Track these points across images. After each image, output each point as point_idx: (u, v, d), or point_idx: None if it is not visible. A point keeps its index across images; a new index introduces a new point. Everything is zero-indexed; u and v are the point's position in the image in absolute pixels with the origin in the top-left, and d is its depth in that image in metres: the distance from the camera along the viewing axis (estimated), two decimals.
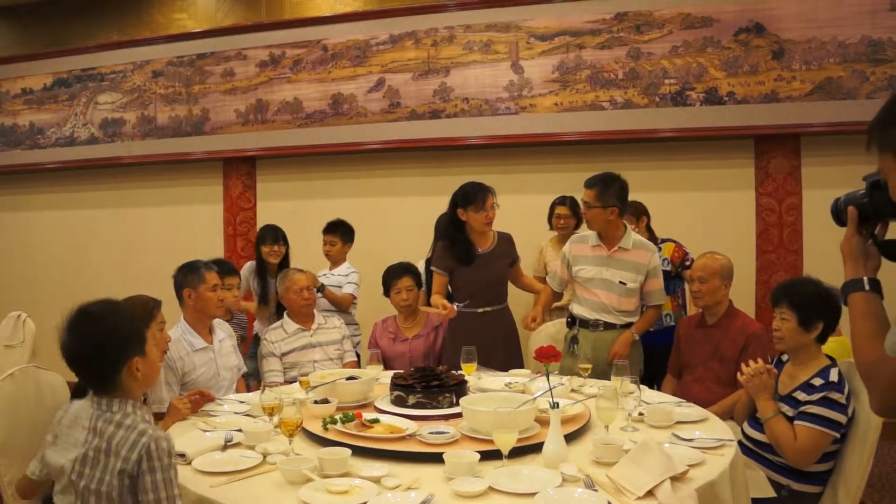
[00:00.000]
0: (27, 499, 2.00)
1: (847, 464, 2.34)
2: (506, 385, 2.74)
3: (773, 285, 3.13)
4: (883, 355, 1.25)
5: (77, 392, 2.14)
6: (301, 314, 3.60)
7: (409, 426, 2.17)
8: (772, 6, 4.41)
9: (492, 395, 2.36)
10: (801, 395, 2.35)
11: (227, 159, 5.72)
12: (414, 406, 2.35)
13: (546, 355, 2.31)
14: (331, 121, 5.33)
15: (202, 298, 3.00)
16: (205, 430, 2.29)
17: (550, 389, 2.15)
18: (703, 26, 4.53)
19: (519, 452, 1.95)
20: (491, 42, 4.97)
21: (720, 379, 3.02)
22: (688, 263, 3.81)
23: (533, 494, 1.70)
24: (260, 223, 5.71)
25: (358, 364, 3.70)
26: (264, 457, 2.01)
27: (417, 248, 4.36)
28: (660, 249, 3.93)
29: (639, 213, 4.02)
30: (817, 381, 2.34)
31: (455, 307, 3.32)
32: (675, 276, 3.98)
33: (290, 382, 3.16)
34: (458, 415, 2.26)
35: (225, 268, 3.71)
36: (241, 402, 2.67)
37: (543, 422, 2.10)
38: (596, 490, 1.75)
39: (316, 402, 2.42)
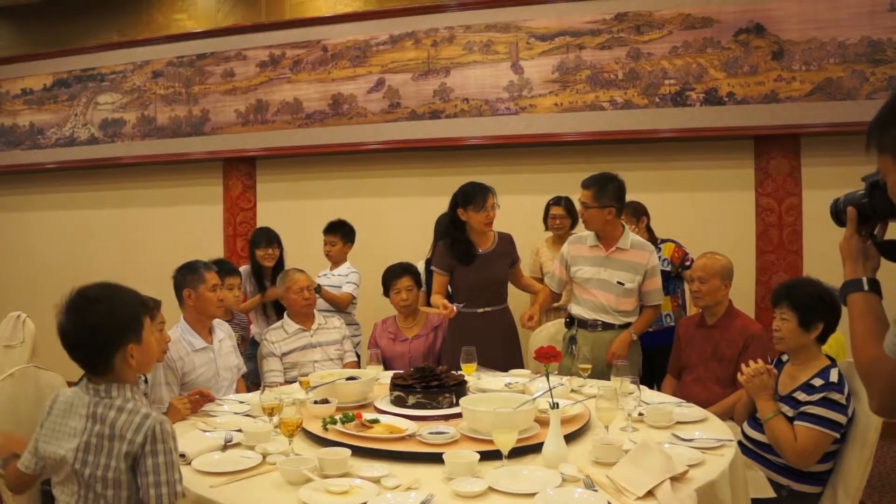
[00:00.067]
0: (20, 493, 1.98)
1: (847, 464, 2.34)
2: (505, 385, 2.74)
3: (773, 286, 3.13)
4: (882, 355, 1.25)
5: None
6: (301, 314, 3.60)
7: (409, 426, 2.17)
8: (772, 7, 4.41)
9: (491, 396, 2.36)
10: (801, 396, 2.35)
11: (227, 159, 5.73)
12: (414, 406, 2.35)
13: (546, 355, 2.31)
14: (331, 121, 5.34)
15: (202, 299, 3.00)
16: (205, 431, 2.29)
17: (550, 390, 2.15)
18: (703, 27, 4.53)
19: (519, 453, 1.95)
20: (491, 42, 4.97)
21: (720, 379, 3.02)
22: (688, 264, 3.82)
23: (533, 495, 1.70)
24: (260, 223, 5.71)
25: (358, 364, 3.71)
26: (264, 457, 2.01)
27: (417, 248, 4.36)
28: (660, 250, 3.93)
29: (639, 214, 4.02)
30: (817, 382, 2.34)
31: (455, 307, 3.32)
32: (674, 277, 3.98)
33: (291, 382, 3.16)
34: (458, 415, 2.26)
35: (226, 268, 3.72)
36: (241, 403, 2.67)
37: (543, 422, 2.10)
38: (596, 490, 1.75)
39: (316, 402, 2.42)
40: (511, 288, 3.66)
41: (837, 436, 2.30)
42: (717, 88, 4.51)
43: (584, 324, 3.31)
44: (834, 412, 2.28)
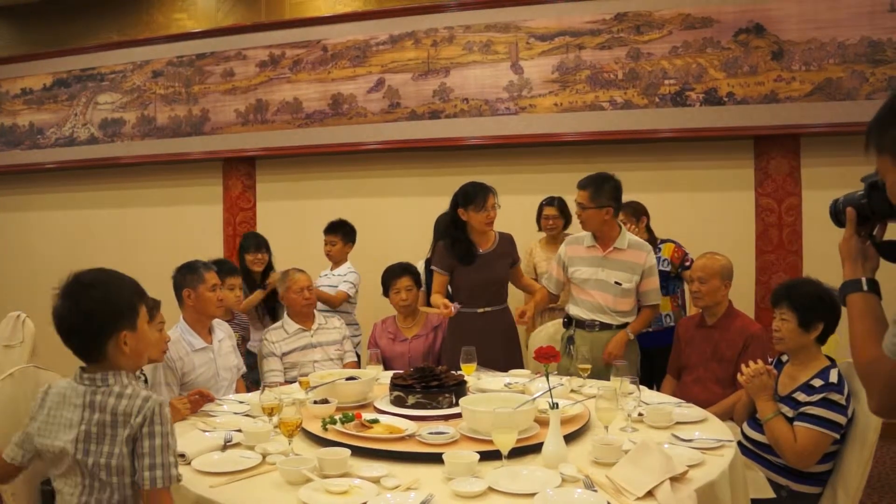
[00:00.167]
0: (3, 482, 1.97)
1: (846, 464, 2.34)
2: (505, 385, 2.74)
3: (773, 286, 3.13)
4: (881, 355, 1.25)
5: None
6: (301, 314, 3.60)
7: (409, 426, 2.17)
8: (771, 7, 4.41)
9: (491, 396, 2.36)
10: (800, 396, 2.35)
11: (226, 159, 5.73)
12: (413, 406, 2.35)
13: (546, 356, 2.31)
14: (330, 121, 5.34)
15: (202, 298, 3.00)
16: (204, 431, 2.29)
17: (550, 390, 2.15)
18: (702, 27, 4.53)
19: (518, 453, 1.95)
20: (491, 42, 4.97)
21: (720, 379, 3.02)
22: (687, 264, 3.82)
23: (532, 495, 1.70)
24: (260, 223, 5.72)
25: (358, 364, 3.71)
26: (264, 457, 2.01)
27: (417, 248, 4.36)
28: (659, 250, 3.93)
29: (639, 214, 4.02)
30: (817, 382, 2.34)
31: (454, 306, 3.32)
32: (674, 277, 3.98)
33: (290, 382, 3.16)
34: (458, 415, 2.26)
35: (227, 268, 3.72)
36: (241, 403, 2.67)
37: (543, 422, 2.10)
38: (595, 490, 1.75)
39: (315, 402, 2.42)
40: (511, 288, 3.66)
41: (837, 436, 2.30)
42: (717, 88, 4.51)
43: (581, 324, 3.31)
44: (834, 413, 2.28)
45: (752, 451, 2.48)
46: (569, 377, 2.84)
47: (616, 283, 3.24)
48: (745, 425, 2.58)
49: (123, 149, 5.94)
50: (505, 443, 1.86)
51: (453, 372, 2.61)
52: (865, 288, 1.37)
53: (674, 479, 1.75)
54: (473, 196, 3.41)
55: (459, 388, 2.43)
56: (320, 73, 5.37)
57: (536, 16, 4.87)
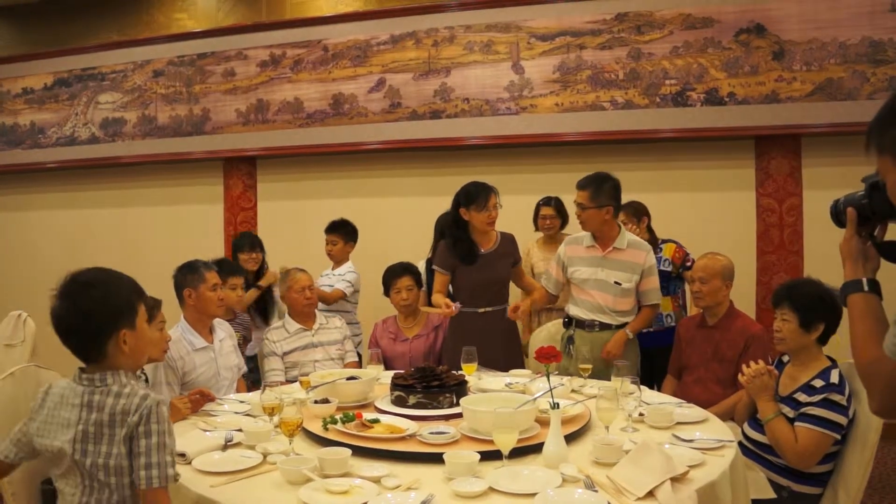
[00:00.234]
0: None
1: (847, 465, 2.34)
2: (506, 385, 2.74)
3: (774, 286, 3.13)
4: (882, 356, 1.25)
5: None
6: (303, 314, 3.61)
7: (410, 426, 2.17)
8: (772, 7, 4.41)
9: (492, 396, 2.36)
10: (801, 397, 2.35)
11: (227, 159, 5.73)
12: (414, 406, 2.35)
13: (546, 356, 2.31)
14: (331, 121, 5.34)
15: (202, 298, 3.00)
16: (205, 430, 2.29)
17: (551, 390, 2.15)
18: (703, 27, 4.53)
19: (519, 453, 1.95)
20: (491, 42, 4.97)
21: (720, 380, 3.02)
22: (688, 264, 3.82)
23: (533, 495, 1.70)
24: (260, 223, 5.72)
25: (359, 364, 3.71)
26: (264, 457, 2.01)
27: (417, 248, 4.36)
28: (660, 250, 3.93)
29: (640, 214, 4.02)
30: (818, 383, 2.34)
31: (456, 306, 3.31)
32: (675, 277, 3.97)
33: (291, 382, 3.16)
34: (459, 415, 2.26)
35: (229, 268, 3.72)
36: (242, 402, 2.67)
37: (544, 422, 2.10)
38: (596, 491, 1.75)
39: (316, 401, 2.42)
40: (512, 288, 3.66)
41: (838, 437, 2.29)
42: (718, 88, 4.51)
43: (581, 324, 3.31)
44: (834, 413, 2.28)
45: (752, 451, 2.48)
46: (569, 377, 2.84)
47: (616, 282, 3.24)
48: (745, 426, 2.58)
49: (124, 148, 5.94)
50: (506, 443, 1.86)
51: (454, 372, 2.61)
52: (866, 288, 1.37)
53: (674, 480, 1.75)
54: (475, 196, 3.41)
55: (460, 388, 2.44)
56: (321, 72, 5.37)
57: (537, 16, 4.87)
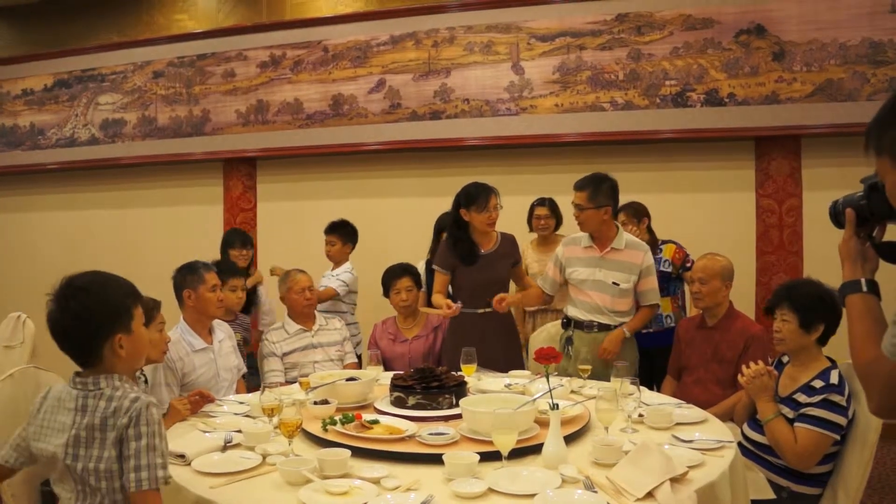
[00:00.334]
0: None
1: (847, 465, 2.34)
2: (505, 386, 2.74)
3: (774, 287, 3.12)
4: (880, 356, 1.25)
5: None
6: (302, 314, 3.61)
7: (409, 427, 2.17)
8: (772, 8, 4.41)
9: (491, 397, 2.36)
10: (801, 397, 2.35)
11: (227, 160, 5.73)
12: (413, 407, 2.35)
13: (546, 357, 2.31)
14: (331, 121, 5.34)
15: (202, 299, 3.00)
16: (204, 431, 2.29)
17: (550, 391, 2.14)
18: (703, 28, 4.53)
19: (518, 454, 1.95)
20: (491, 43, 4.97)
21: (720, 380, 3.02)
22: (688, 265, 3.81)
23: (532, 496, 1.69)
24: (260, 224, 5.73)
25: (359, 365, 3.71)
26: (264, 458, 2.01)
27: (417, 248, 4.36)
28: (660, 251, 3.94)
29: (640, 215, 4.02)
30: (818, 383, 2.34)
31: (457, 307, 3.31)
32: (675, 278, 3.98)
33: (291, 383, 3.16)
34: (458, 416, 2.26)
35: (229, 269, 3.72)
36: (241, 403, 2.66)
37: (543, 423, 2.10)
38: (595, 491, 1.75)
39: (316, 402, 2.42)
40: (511, 288, 3.66)
41: (837, 437, 2.29)
42: (718, 89, 4.51)
43: (580, 325, 3.31)
44: (834, 414, 2.28)
45: (752, 451, 2.48)
46: (569, 378, 2.84)
47: (614, 283, 3.24)
48: (745, 426, 2.58)
49: (124, 149, 5.94)
50: (505, 443, 1.86)
51: (453, 373, 2.61)
52: (865, 289, 1.37)
53: (674, 480, 1.75)
54: (476, 196, 3.41)
55: (460, 389, 2.43)
56: (321, 73, 5.37)
57: (537, 16, 4.87)
